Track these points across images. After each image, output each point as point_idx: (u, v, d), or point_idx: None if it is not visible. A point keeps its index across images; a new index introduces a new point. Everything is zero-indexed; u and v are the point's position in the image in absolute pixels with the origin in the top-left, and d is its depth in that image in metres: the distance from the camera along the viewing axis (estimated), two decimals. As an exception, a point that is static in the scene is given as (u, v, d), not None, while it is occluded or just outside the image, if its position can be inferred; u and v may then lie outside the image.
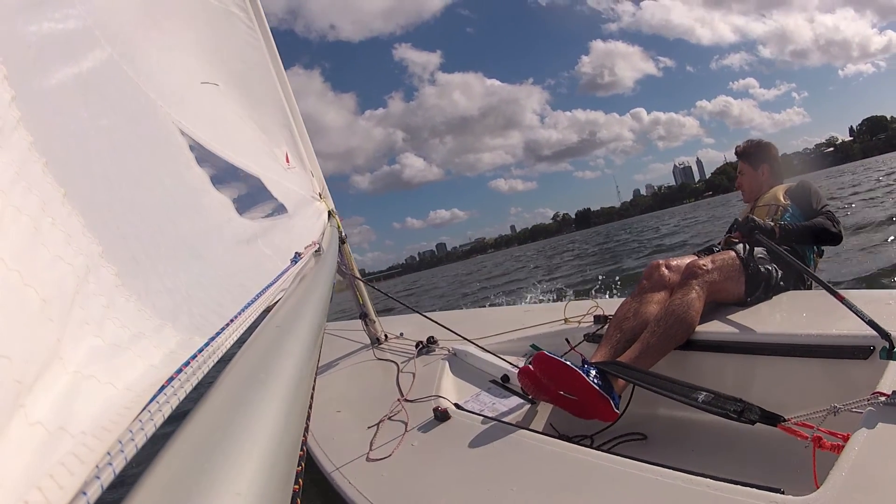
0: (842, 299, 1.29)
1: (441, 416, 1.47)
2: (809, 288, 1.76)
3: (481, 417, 1.44)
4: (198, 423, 0.38)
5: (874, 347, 1.17)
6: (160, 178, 0.79)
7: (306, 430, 0.59)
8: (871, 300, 1.38)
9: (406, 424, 1.50)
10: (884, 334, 1.14)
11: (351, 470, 1.35)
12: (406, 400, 1.68)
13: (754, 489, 0.86)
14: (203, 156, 1.05)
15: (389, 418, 1.59)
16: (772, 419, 1.06)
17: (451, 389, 1.75)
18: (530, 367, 1.48)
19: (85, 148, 0.57)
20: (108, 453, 0.32)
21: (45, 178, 0.40)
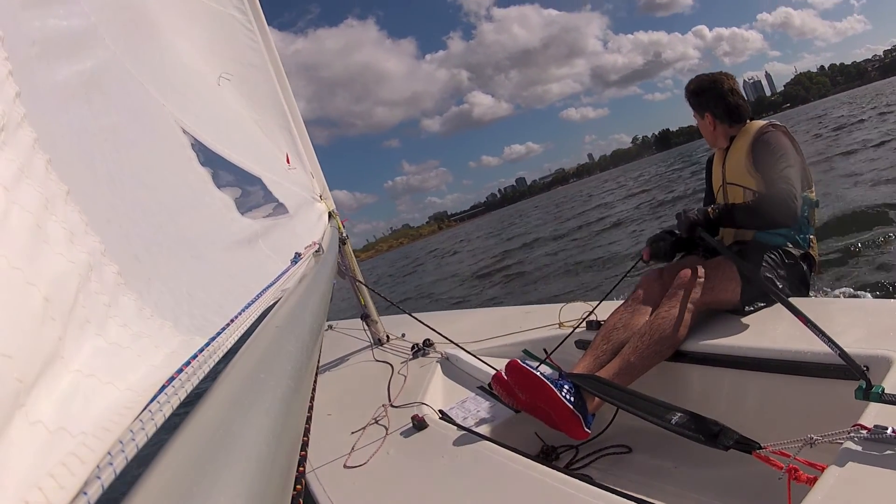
0: (805, 323, 1.15)
1: (418, 424, 1.46)
2: (807, 295, 1.64)
3: (456, 427, 1.42)
4: (198, 423, 0.38)
5: (868, 367, 1.07)
6: (162, 177, 0.79)
7: (306, 431, 0.59)
8: (872, 312, 1.31)
9: (387, 431, 1.50)
10: (859, 371, 1.02)
11: (327, 476, 1.36)
12: (391, 405, 1.68)
13: None
14: (205, 155, 1.05)
15: (375, 422, 1.58)
16: (746, 446, 1.01)
17: (439, 394, 1.75)
18: (503, 374, 1.44)
19: (88, 145, 0.57)
20: (109, 453, 0.32)
21: (49, 175, 0.39)
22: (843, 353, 1.05)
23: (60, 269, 0.37)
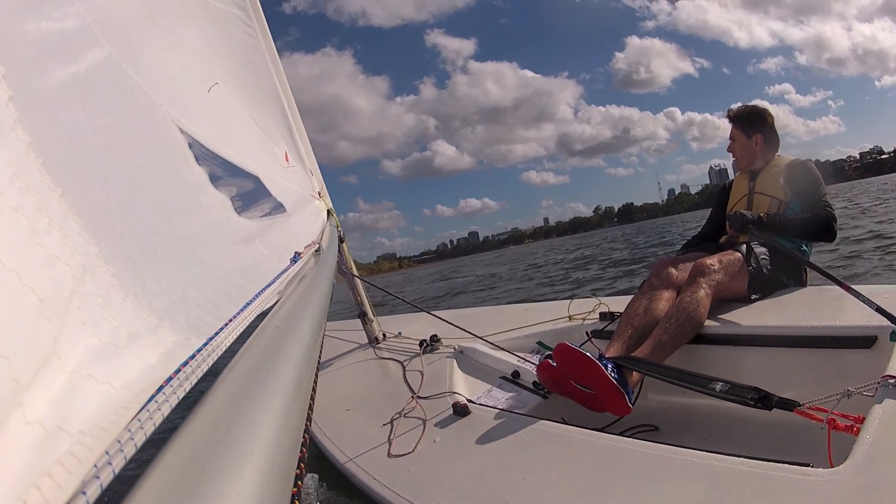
0: (848, 289, 1.36)
1: (461, 410, 1.48)
2: (805, 285, 1.81)
3: (497, 411, 1.45)
4: (198, 423, 0.38)
5: (877, 337, 1.24)
6: (158, 177, 0.79)
7: (306, 430, 0.59)
8: (870, 293, 1.43)
9: (424, 421, 1.50)
10: (893, 319, 1.22)
11: (373, 466, 1.35)
12: (420, 397, 1.68)
13: (786, 464, 0.91)
14: (202, 154, 1.05)
15: (404, 415, 1.59)
16: (787, 405, 1.11)
17: (462, 386, 1.77)
18: (549, 360, 1.52)
19: (82, 147, 0.57)
20: (107, 452, 0.32)
21: (43, 178, 0.40)
22: (879, 309, 1.25)
23: (55, 271, 0.37)
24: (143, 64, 0.96)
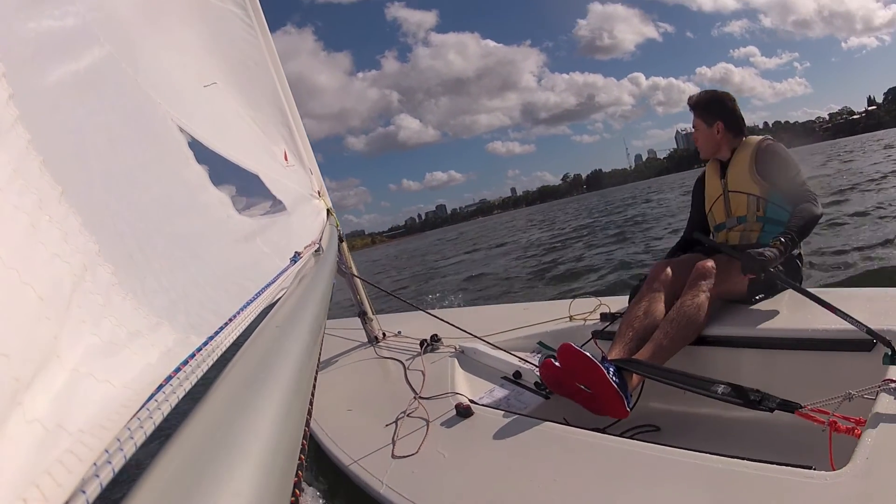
0: (834, 311, 1.32)
1: (464, 412, 1.48)
2: (801, 283, 1.80)
3: (502, 412, 1.45)
4: (198, 423, 0.38)
5: (876, 340, 1.24)
6: (158, 176, 0.79)
7: (306, 430, 0.59)
8: (870, 298, 1.44)
9: (427, 421, 1.50)
10: (885, 342, 1.19)
11: (377, 467, 1.34)
12: (422, 397, 1.68)
13: (788, 467, 0.92)
14: (202, 153, 1.05)
15: (407, 415, 1.58)
16: (789, 407, 1.12)
17: (463, 386, 1.77)
18: (553, 360, 1.53)
19: (82, 146, 0.57)
20: (107, 451, 0.32)
21: (43, 176, 0.40)
22: (869, 330, 1.23)
23: (55, 269, 0.37)
24: (142, 63, 0.96)
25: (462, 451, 1.32)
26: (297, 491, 0.45)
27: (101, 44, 0.77)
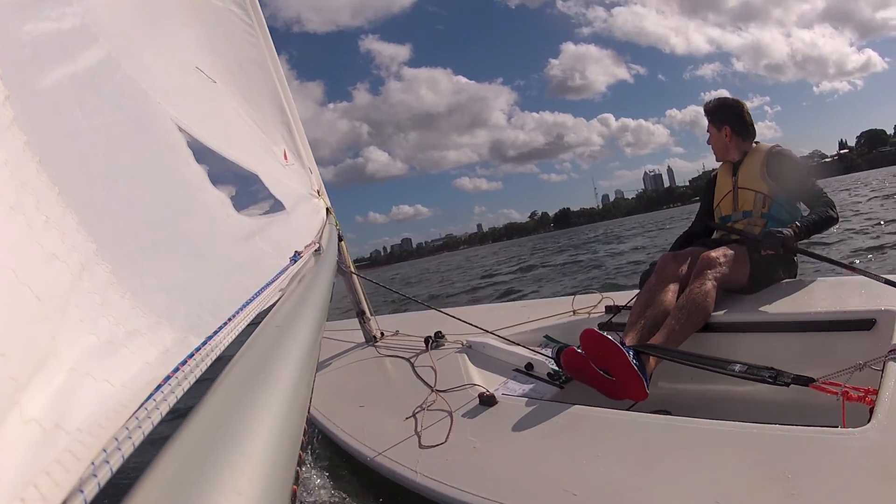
0: (856, 270, 1.50)
1: (487, 400, 1.50)
2: (794, 277, 1.95)
3: (525, 399, 1.47)
4: (198, 423, 0.38)
5: (876, 320, 1.34)
6: (157, 175, 0.79)
7: (306, 430, 0.59)
8: (864, 283, 1.54)
9: (450, 412, 1.50)
10: None
11: (407, 458, 1.34)
12: (439, 390, 1.69)
13: (816, 427, 0.98)
14: (201, 152, 1.04)
15: (426, 408, 1.58)
16: (804, 381, 1.19)
17: (477, 379, 1.78)
18: (576, 347, 1.60)
19: (80, 146, 0.57)
20: (105, 450, 0.32)
21: (40, 176, 0.40)
22: (888, 280, 1.36)
23: (53, 269, 0.37)
24: (141, 62, 0.96)
25: (494, 438, 1.33)
26: (295, 486, 0.45)
27: (99, 44, 0.76)
